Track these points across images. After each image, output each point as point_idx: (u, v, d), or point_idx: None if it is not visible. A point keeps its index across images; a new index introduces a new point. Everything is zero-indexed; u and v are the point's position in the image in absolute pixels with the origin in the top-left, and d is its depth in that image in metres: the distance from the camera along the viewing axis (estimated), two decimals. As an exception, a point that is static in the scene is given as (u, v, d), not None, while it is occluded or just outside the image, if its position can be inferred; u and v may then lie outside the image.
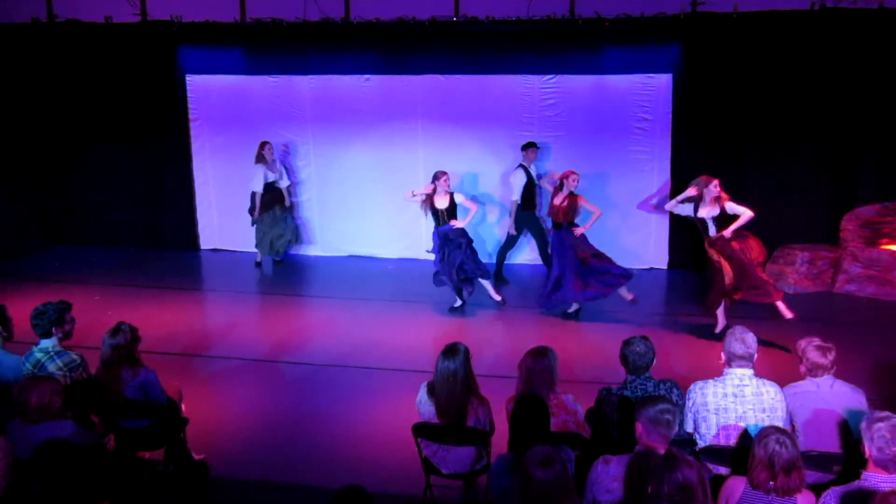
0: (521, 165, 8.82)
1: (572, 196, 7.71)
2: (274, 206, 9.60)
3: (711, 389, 4.15)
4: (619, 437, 4.12)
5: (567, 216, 7.73)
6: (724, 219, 7.08)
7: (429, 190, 7.90)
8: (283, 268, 9.85)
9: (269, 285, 9.48)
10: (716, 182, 7.04)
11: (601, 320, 7.77)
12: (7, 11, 9.92)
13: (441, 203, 7.88)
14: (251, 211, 9.57)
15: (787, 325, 7.23)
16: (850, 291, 8.42)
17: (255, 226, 9.67)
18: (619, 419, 4.13)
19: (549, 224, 8.35)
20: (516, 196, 8.74)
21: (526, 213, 8.84)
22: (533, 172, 8.85)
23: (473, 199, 8.65)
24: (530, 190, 8.78)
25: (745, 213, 6.98)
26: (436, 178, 7.87)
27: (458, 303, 8.14)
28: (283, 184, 9.68)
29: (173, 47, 9.99)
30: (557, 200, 7.78)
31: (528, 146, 8.83)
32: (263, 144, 9.40)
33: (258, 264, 9.86)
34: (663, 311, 8.44)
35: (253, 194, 9.47)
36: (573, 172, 7.73)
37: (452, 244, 7.89)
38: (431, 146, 9.67)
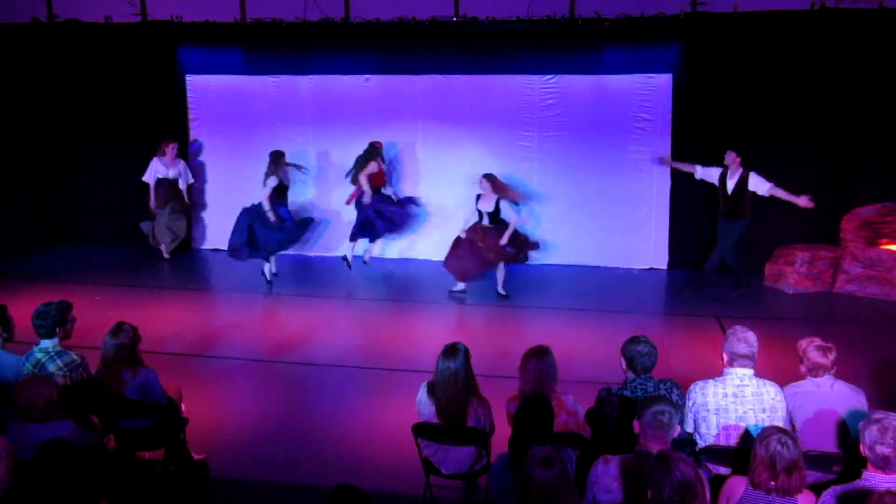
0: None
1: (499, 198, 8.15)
2: (170, 203, 9.71)
3: (712, 389, 4.15)
4: (619, 437, 4.12)
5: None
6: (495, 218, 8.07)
7: (376, 168, 8.79)
8: (284, 268, 9.82)
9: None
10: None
11: (601, 320, 7.77)
12: (7, 11, 9.91)
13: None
14: (148, 204, 9.73)
15: (788, 325, 7.24)
16: (851, 291, 8.42)
17: (153, 221, 9.86)
18: (620, 419, 4.12)
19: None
20: None
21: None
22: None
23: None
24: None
25: (514, 218, 8.06)
26: (377, 153, 8.83)
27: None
28: (183, 184, 9.85)
29: (173, 47, 9.99)
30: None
31: None
32: (168, 142, 9.60)
33: (168, 258, 10.05)
34: (663, 311, 8.43)
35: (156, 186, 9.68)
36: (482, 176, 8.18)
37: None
38: (431, 146, 9.68)
